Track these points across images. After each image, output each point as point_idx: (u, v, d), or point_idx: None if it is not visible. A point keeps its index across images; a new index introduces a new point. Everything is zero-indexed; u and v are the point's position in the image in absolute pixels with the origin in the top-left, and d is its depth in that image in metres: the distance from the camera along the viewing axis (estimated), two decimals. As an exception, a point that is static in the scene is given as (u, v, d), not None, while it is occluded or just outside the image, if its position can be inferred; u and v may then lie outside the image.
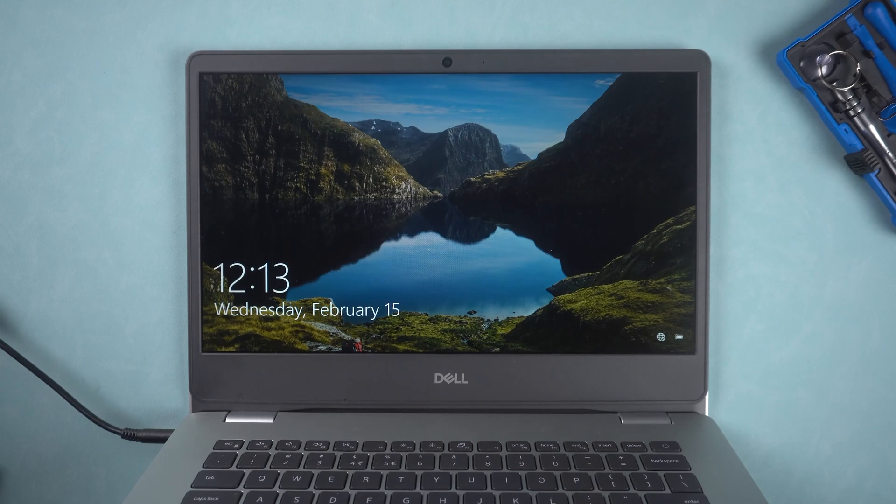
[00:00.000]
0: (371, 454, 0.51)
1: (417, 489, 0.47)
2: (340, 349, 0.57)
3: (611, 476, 0.49)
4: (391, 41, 0.59)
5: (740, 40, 0.59)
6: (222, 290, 0.57)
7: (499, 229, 0.57)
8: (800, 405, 0.60)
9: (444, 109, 0.56)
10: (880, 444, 0.60)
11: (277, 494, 0.47)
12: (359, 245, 0.57)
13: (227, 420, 0.57)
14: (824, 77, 0.56)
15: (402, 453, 0.51)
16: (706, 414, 0.58)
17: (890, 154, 0.57)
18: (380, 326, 0.57)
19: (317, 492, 0.47)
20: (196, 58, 0.56)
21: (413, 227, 0.57)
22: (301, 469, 0.49)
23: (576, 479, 0.48)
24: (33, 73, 0.59)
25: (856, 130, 0.57)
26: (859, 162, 0.57)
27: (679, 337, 0.57)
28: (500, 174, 0.57)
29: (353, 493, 0.47)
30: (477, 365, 0.57)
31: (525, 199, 0.57)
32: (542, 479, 0.48)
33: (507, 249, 0.57)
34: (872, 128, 0.57)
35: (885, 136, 0.57)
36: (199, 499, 0.46)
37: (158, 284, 0.60)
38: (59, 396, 0.59)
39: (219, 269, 0.57)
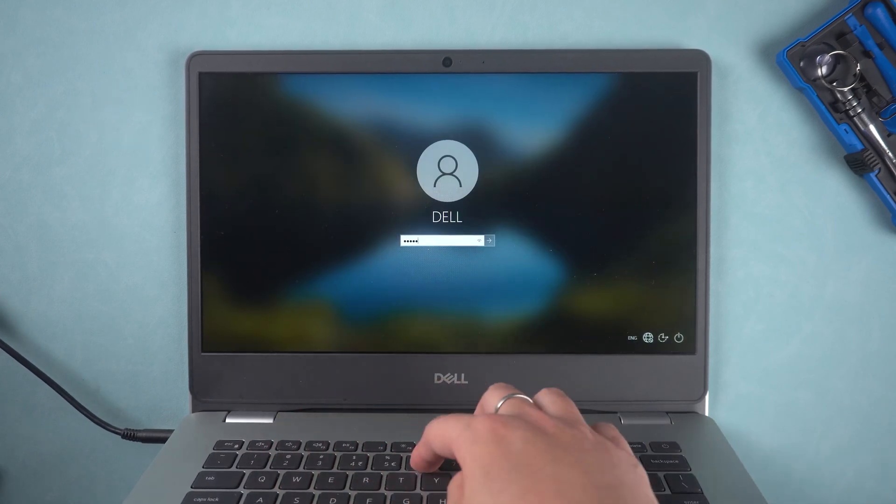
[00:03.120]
0: (371, 454, 0.51)
1: (417, 490, 0.47)
2: (340, 349, 0.57)
3: (611, 476, 0.49)
4: (391, 41, 0.59)
5: (740, 40, 0.59)
6: (222, 290, 0.57)
7: (499, 229, 0.57)
8: (800, 405, 0.60)
9: (444, 109, 0.56)
10: (880, 444, 0.60)
11: (277, 495, 0.47)
12: (358, 245, 0.57)
13: (227, 420, 0.57)
14: (824, 77, 0.56)
15: (401, 454, 0.51)
16: (706, 414, 0.58)
17: (890, 154, 0.57)
18: (380, 326, 0.57)
19: (317, 492, 0.47)
20: (196, 58, 0.56)
21: (413, 227, 0.57)
22: (301, 469, 0.49)
23: (576, 480, 0.48)
24: (33, 73, 0.59)
25: (856, 130, 0.57)
26: (859, 162, 0.57)
27: (679, 337, 0.57)
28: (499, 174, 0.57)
29: (353, 493, 0.47)
30: (477, 365, 0.57)
31: (525, 199, 0.57)
32: (542, 480, 0.48)
33: (508, 249, 0.57)
34: (872, 128, 0.57)
35: (885, 136, 0.57)
36: (199, 499, 0.46)
37: (158, 284, 0.60)
38: (59, 396, 0.59)
39: (219, 269, 0.57)
